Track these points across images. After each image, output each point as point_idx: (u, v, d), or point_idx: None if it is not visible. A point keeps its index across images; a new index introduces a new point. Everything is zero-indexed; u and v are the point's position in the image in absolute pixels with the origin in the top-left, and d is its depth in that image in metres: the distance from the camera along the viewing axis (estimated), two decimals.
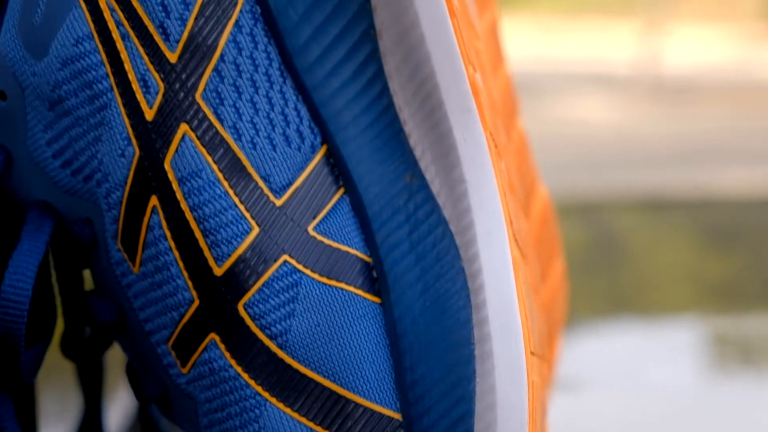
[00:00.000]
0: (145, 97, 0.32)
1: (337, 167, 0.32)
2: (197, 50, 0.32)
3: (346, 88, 0.32)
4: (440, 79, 0.32)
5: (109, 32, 0.32)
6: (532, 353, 0.32)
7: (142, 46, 0.32)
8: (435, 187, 0.32)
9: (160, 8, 0.32)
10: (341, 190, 0.32)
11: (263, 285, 0.32)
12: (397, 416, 0.32)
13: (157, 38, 0.32)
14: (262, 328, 0.32)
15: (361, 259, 0.32)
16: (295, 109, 0.32)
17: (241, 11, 0.32)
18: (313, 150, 0.32)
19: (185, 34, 0.32)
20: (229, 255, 0.32)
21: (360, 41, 0.32)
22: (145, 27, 0.32)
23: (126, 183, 0.32)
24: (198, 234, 0.32)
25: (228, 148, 0.32)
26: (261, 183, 0.32)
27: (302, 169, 0.32)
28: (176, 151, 0.32)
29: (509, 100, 0.42)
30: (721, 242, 1.25)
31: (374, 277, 0.32)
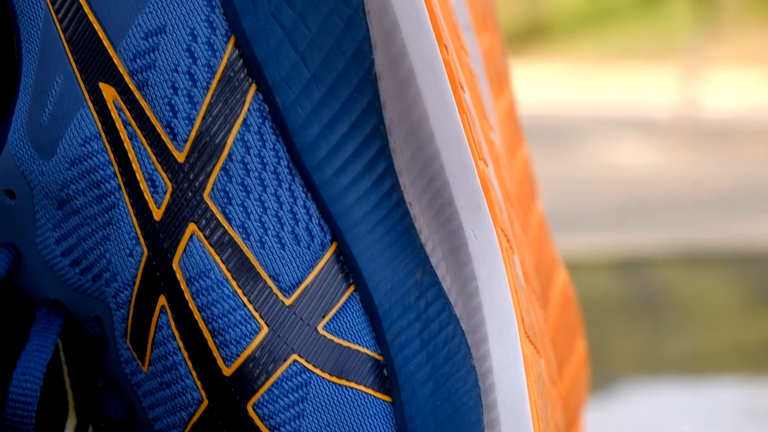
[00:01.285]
0: (153, 196, 0.32)
1: (347, 265, 0.32)
2: (205, 149, 0.31)
3: (355, 185, 0.32)
4: (450, 176, 0.31)
5: (117, 132, 0.32)
6: None
7: (150, 145, 0.32)
8: (446, 284, 0.31)
9: (168, 108, 0.31)
10: (351, 288, 0.32)
11: (272, 385, 0.31)
12: None
13: (165, 138, 0.31)
14: (272, 429, 0.31)
15: (372, 358, 0.32)
16: (304, 206, 0.32)
17: (248, 110, 0.32)
18: (323, 248, 0.32)
19: (193, 134, 0.31)
20: (238, 355, 0.31)
21: (369, 137, 0.31)
22: (153, 126, 0.31)
23: (134, 283, 0.32)
24: (206, 334, 0.31)
25: (236, 247, 0.31)
26: (270, 282, 0.31)
27: (312, 267, 0.32)
28: (184, 251, 0.32)
29: (527, 183, 0.42)
30: (765, 298, 1.24)
31: (385, 376, 0.32)
